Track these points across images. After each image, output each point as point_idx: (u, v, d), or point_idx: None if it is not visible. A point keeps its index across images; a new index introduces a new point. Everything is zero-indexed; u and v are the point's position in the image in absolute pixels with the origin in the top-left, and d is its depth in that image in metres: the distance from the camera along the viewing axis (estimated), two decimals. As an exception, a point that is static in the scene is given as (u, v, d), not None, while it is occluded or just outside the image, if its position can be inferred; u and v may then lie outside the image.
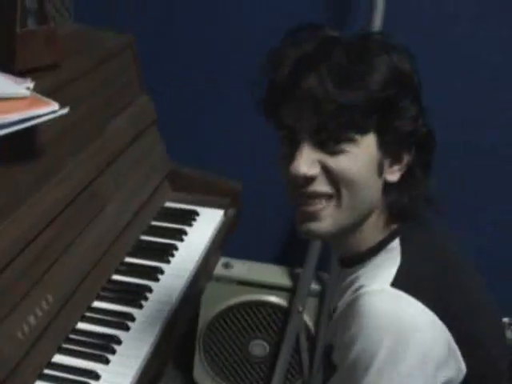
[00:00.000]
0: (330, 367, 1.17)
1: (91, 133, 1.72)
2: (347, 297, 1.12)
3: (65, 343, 1.45)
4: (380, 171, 1.13)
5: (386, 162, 1.13)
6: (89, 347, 1.45)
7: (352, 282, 1.15)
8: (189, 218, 1.95)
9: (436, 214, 1.19)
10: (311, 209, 1.12)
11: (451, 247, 1.22)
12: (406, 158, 1.15)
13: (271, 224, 2.56)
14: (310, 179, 1.11)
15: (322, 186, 1.11)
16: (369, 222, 1.17)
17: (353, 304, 1.07)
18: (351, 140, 1.09)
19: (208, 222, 1.96)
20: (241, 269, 2.52)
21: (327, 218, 1.12)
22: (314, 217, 1.13)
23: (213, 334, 2.56)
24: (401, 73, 1.11)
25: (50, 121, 1.40)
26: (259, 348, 2.57)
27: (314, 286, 2.47)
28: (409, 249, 1.14)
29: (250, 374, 2.62)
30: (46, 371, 1.38)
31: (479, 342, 1.13)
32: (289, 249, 2.62)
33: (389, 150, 1.13)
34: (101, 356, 1.42)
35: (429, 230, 1.21)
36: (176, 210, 2.01)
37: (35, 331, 1.36)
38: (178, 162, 2.10)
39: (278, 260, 2.59)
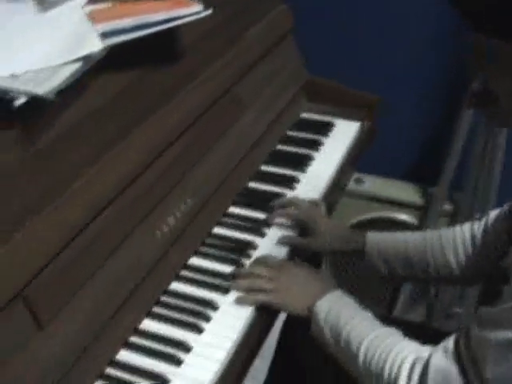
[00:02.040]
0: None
1: (231, 38, 1.70)
2: None
3: (201, 246, 1.46)
4: None
5: None
6: (225, 252, 1.45)
7: None
8: (325, 129, 1.91)
9: None
10: None
11: None
12: None
13: (406, 140, 2.49)
14: None
15: None
16: None
17: None
18: None
19: (344, 133, 1.92)
20: (373, 185, 2.48)
21: None
22: None
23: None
24: None
25: (191, 23, 1.38)
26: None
27: (447, 206, 2.40)
28: None
29: (376, 291, 2.60)
30: (183, 272, 1.39)
31: None
32: (422, 166, 2.54)
33: None
34: (236, 261, 1.42)
35: None
36: (312, 120, 1.97)
37: (174, 232, 1.37)
38: (314, 72, 2.05)
39: (410, 177, 2.52)
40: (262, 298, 1.33)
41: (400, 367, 1.09)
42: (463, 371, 1.02)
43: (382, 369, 1.11)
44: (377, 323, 1.21)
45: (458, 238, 1.44)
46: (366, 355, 1.15)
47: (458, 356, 1.03)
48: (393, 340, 1.14)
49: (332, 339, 1.23)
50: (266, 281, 1.34)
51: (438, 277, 1.48)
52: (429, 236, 1.48)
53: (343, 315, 1.23)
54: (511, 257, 1.12)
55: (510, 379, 0.98)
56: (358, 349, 1.16)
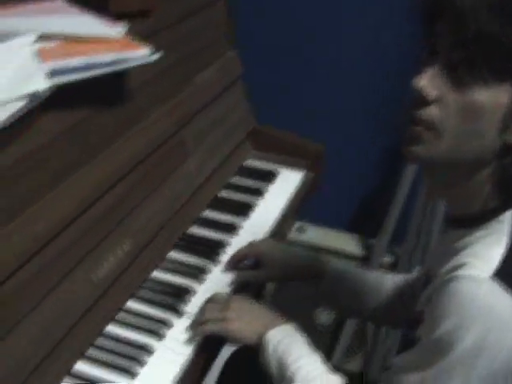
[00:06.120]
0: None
1: (178, 83, 1.71)
2: (449, 268, 1.04)
3: (139, 290, 1.45)
4: (503, 128, 1.01)
5: None
6: (162, 296, 1.44)
7: (457, 251, 1.07)
8: (268, 177, 1.93)
9: None
10: (412, 130, 1.05)
11: None
12: None
13: (349, 191, 2.52)
14: (423, 102, 1.03)
15: (429, 115, 1.03)
16: (477, 180, 1.07)
17: (451, 282, 1.00)
18: (484, 80, 0.98)
19: (287, 182, 1.94)
20: (314, 234, 2.50)
21: (425, 143, 1.05)
22: (413, 139, 1.06)
23: (280, 299, 2.54)
24: None
25: (139, 66, 1.39)
26: (324, 316, 2.54)
27: (387, 259, 2.44)
28: None
29: (313, 342, 2.60)
30: (119, 316, 1.38)
31: None
32: (364, 218, 2.58)
33: None
34: (173, 306, 1.41)
35: None
36: (256, 168, 1.99)
37: (110, 276, 1.36)
38: (260, 120, 2.07)
39: (352, 228, 2.55)
40: (210, 327, 1.32)
41: None
42: None
43: None
44: (324, 369, 1.21)
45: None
46: None
47: None
48: None
49: (277, 373, 1.23)
50: (215, 312, 1.34)
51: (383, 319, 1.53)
52: (383, 278, 1.53)
53: (292, 352, 1.22)
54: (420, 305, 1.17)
55: None
56: None
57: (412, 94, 1.05)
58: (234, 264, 1.56)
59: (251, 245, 1.57)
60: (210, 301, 1.39)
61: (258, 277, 1.54)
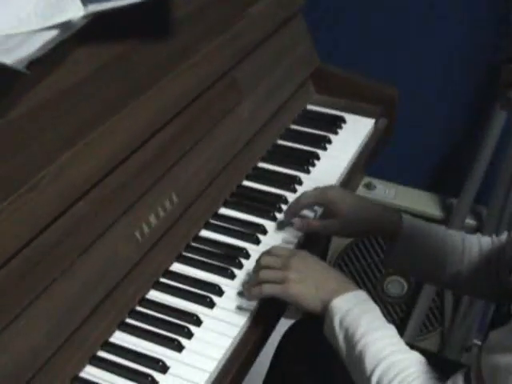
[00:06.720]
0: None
1: (231, 14, 1.69)
2: None
3: (185, 251, 1.44)
4: None
5: None
6: (212, 258, 1.43)
7: None
8: (334, 124, 1.91)
9: None
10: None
11: None
12: None
13: (425, 142, 2.48)
14: None
15: None
16: None
17: None
18: None
19: (356, 131, 1.91)
20: (385, 192, 2.48)
21: None
22: None
23: (344, 266, 2.53)
24: None
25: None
26: (396, 286, 2.53)
27: (469, 221, 2.40)
28: None
29: (384, 311, 2.59)
30: (163, 280, 1.38)
31: None
32: (443, 174, 2.54)
33: None
34: (225, 270, 1.40)
35: None
36: (320, 114, 1.96)
37: (155, 233, 1.36)
38: (325, 59, 2.04)
39: (428, 186, 2.52)
40: (268, 289, 1.29)
41: None
42: None
43: None
44: (402, 344, 1.18)
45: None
46: (380, 379, 1.12)
47: None
48: (414, 371, 1.11)
49: (345, 346, 1.20)
50: (274, 271, 1.31)
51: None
52: (467, 239, 1.49)
53: (363, 323, 1.18)
54: None
55: None
56: (373, 370, 1.13)
57: None
58: (296, 211, 1.53)
59: (317, 190, 1.52)
60: (268, 253, 1.36)
61: (327, 227, 1.50)
